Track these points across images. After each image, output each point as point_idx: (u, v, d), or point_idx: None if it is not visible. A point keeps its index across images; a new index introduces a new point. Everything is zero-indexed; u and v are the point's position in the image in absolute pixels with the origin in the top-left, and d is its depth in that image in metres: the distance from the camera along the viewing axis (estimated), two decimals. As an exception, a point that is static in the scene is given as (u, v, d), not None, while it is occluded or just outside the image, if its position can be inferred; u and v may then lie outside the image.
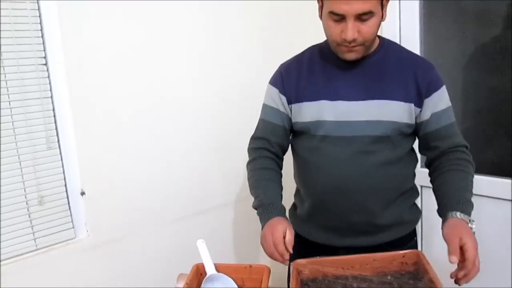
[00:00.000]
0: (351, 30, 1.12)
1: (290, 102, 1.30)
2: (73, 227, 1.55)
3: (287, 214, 1.33)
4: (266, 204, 1.23)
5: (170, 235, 1.78)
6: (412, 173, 1.34)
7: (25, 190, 1.44)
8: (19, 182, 1.42)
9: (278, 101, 1.31)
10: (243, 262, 1.25)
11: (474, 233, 1.09)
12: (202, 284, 1.15)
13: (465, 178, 1.22)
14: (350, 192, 1.24)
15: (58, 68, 1.46)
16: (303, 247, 1.25)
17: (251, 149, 1.38)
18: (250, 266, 1.20)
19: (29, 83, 1.41)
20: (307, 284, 1.12)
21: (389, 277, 1.11)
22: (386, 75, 1.24)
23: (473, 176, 1.24)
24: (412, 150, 1.33)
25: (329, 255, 1.16)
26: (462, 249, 1.04)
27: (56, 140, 1.49)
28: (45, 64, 1.44)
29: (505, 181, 1.72)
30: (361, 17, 1.11)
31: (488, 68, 1.76)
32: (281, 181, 1.33)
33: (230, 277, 1.19)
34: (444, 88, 1.26)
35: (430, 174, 1.31)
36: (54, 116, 1.48)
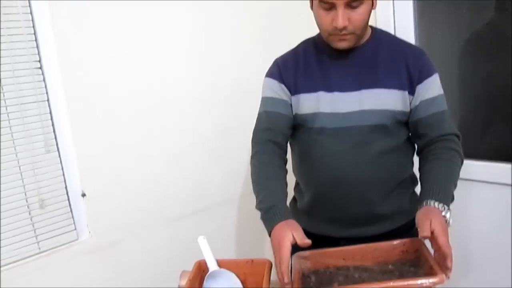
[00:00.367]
0: (341, 18, 1.11)
1: (289, 93, 1.30)
2: (75, 229, 1.56)
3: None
4: (266, 208, 1.17)
5: (171, 233, 1.78)
6: (410, 162, 1.34)
7: (25, 194, 1.44)
8: (19, 186, 1.43)
9: (280, 91, 1.30)
10: (245, 258, 1.24)
11: (449, 223, 1.07)
12: (205, 280, 1.16)
13: (448, 168, 1.20)
14: (349, 183, 1.24)
15: (53, 71, 1.46)
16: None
17: (255, 142, 1.32)
18: (252, 261, 1.20)
19: (25, 87, 1.41)
20: (309, 276, 1.12)
21: (390, 266, 1.11)
22: (379, 64, 1.24)
23: (459, 166, 1.22)
24: (409, 138, 1.33)
25: (330, 247, 1.17)
26: (433, 236, 1.02)
27: (55, 143, 1.50)
28: (40, 68, 1.44)
29: (505, 166, 1.72)
30: (351, 5, 1.11)
31: (483, 55, 1.75)
32: (284, 177, 1.27)
33: (232, 272, 1.19)
34: (436, 75, 1.25)
35: (419, 162, 1.29)
36: (52, 119, 1.48)
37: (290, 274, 1.06)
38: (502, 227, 1.77)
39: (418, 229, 1.05)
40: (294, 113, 1.30)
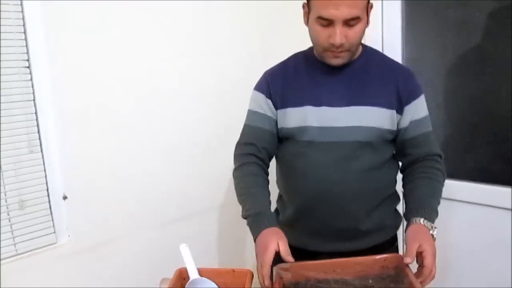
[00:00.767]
0: (339, 35, 1.13)
1: (275, 107, 1.31)
2: (54, 232, 1.53)
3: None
4: (254, 214, 1.20)
5: (153, 239, 1.77)
6: (394, 179, 1.36)
7: (5, 194, 1.41)
8: (-1, 186, 1.40)
9: (265, 106, 1.32)
10: (226, 267, 1.25)
11: (435, 239, 1.14)
12: (185, 289, 1.15)
13: (433, 186, 1.26)
14: (333, 197, 1.25)
15: (41, 71, 1.44)
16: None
17: (238, 155, 1.36)
18: (233, 271, 1.20)
19: (12, 86, 1.39)
20: (289, 288, 1.12)
21: (370, 281, 1.12)
22: (368, 81, 1.26)
23: (442, 185, 1.28)
24: (394, 156, 1.35)
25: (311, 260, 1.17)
26: (421, 255, 1.08)
27: (38, 143, 1.47)
28: (28, 67, 1.42)
29: (486, 187, 1.76)
30: (348, 22, 1.13)
31: (468, 76, 1.80)
32: (268, 187, 1.31)
33: (213, 281, 1.19)
34: (423, 96, 1.29)
35: (402, 179, 1.35)
36: (37, 119, 1.46)
37: (270, 278, 1.09)
38: (481, 245, 1.80)
39: (405, 249, 1.10)
40: (280, 127, 1.31)
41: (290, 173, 1.33)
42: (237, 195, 1.29)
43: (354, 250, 1.27)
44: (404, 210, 1.26)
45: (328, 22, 1.14)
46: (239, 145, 1.37)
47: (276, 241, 1.12)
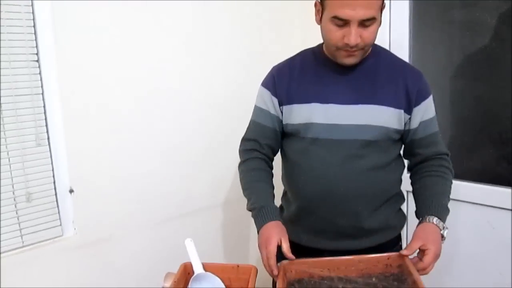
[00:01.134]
0: (354, 35, 1.13)
1: (281, 104, 1.31)
2: (60, 225, 1.55)
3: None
4: (258, 207, 1.24)
5: (158, 235, 1.78)
6: (399, 179, 1.36)
7: (13, 187, 1.43)
8: (7, 178, 1.41)
9: (270, 103, 1.33)
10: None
11: (444, 239, 1.17)
12: (190, 283, 1.16)
13: (443, 184, 1.28)
14: (338, 195, 1.25)
15: (50, 65, 1.46)
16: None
17: (242, 151, 1.39)
18: (238, 266, 1.21)
19: (20, 79, 1.41)
20: (293, 285, 1.13)
21: (373, 279, 1.13)
22: (377, 80, 1.26)
23: (451, 183, 1.30)
24: (400, 156, 1.36)
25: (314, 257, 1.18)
26: (424, 253, 1.11)
27: (46, 137, 1.49)
28: (37, 61, 1.44)
29: (490, 187, 1.76)
30: (364, 23, 1.13)
31: (474, 77, 1.80)
32: (272, 181, 1.34)
33: (217, 276, 1.19)
34: (431, 97, 1.30)
35: (411, 177, 1.36)
36: (45, 113, 1.48)
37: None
38: (482, 245, 1.81)
39: (408, 244, 1.14)
40: (286, 123, 1.31)
41: (294, 170, 1.33)
42: (242, 189, 1.33)
43: (357, 248, 1.27)
44: (416, 208, 1.28)
45: (343, 22, 1.13)
46: (243, 140, 1.41)
47: (279, 236, 1.15)
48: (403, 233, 1.44)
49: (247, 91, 1.39)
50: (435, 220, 1.17)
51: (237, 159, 1.40)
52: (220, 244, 2.02)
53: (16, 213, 1.44)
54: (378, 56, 1.30)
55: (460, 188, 1.77)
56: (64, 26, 1.45)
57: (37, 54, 1.43)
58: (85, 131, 1.54)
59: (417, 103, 1.26)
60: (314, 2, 1.22)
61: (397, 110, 1.24)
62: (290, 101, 1.29)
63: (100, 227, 1.61)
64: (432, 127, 1.30)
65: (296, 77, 1.31)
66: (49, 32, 1.44)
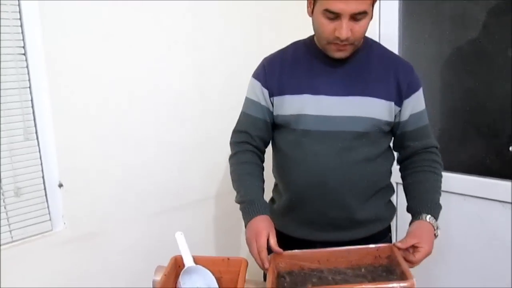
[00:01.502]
0: (345, 29, 1.13)
1: (272, 95, 1.31)
2: (50, 219, 1.54)
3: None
4: (247, 200, 1.24)
5: (149, 228, 1.78)
6: (389, 170, 1.37)
7: (1, 181, 1.41)
8: (-5, 172, 1.40)
9: (260, 94, 1.33)
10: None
11: (436, 236, 1.19)
12: (180, 276, 1.16)
13: (435, 180, 1.29)
14: (328, 187, 1.26)
15: (37, 58, 1.44)
16: (280, 241, 1.26)
17: (233, 143, 1.39)
18: (228, 259, 1.21)
19: (7, 73, 1.39)
20: (283, 277, 1.14)
21: (363, 270, 1.14)
22: (368, 73, 1.26)
23: (442, 177, 1.31)
24: (389, 148, 1.36)
25: (305, 249, 1.19)
26: (416, 249, 1.13)
27: (34, 131, 1.48)
28: (24, 54, 1.42)
29: (480, 179, 1.78)
30: (355, 17, 1.13)
31: (463, 70, 1.81)
32: (262, 175, 1.35)
33: (208, 269, 1.20)
34: (421, 90, 1.30)
35: (401, 170, 1.37)
36: (32, 106, 1.46)
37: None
38: (474, 238, 1.83)
39: (403, 238, 1.16)
40: (277, 114, 1.31)
41: (285, 162, 1.33)
42: (232, 181, 1.33)
43: (348, 240, 1.27)
44: (408, 202, 1.29)
45: (335, 16, 1.13)
46: (234, 132, 1.40)
47: (267, 230, 1.16)
48: (393, 224, 1.45)
49: (239, 85, 1.39)
50: (430, 218, 1.20)
51: (228, 153, 1.39)
52: (212, 237, 2.03)
53: (5, 208, 1.43)
54: (370, 49, 1.30)
55: (450, 180, 1.78)
56: (51, 19, 1.44)
57: (23, 47, 1.41)
58: (74, 125, 1.53)
59: (407, 95, 1.27)
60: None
61: (387, 102, 1.24)
62: (282, 92, 1.29)
63: (90, 221, 1.61)
64: (423, 119, 1.31)
65: (288, 68, 1.30)
66: (36, 24, 1.42)
